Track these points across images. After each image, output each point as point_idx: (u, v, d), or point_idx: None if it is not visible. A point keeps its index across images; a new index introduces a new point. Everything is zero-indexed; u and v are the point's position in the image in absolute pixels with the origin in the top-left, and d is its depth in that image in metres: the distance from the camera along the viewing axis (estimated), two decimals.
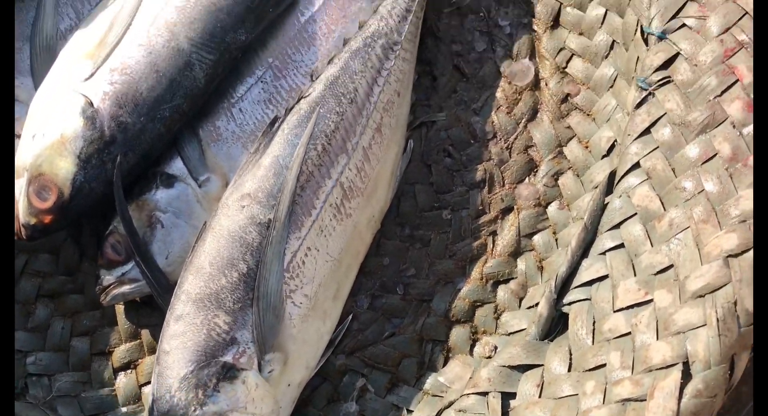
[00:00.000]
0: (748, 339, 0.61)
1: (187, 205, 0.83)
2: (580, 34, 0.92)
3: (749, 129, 0.68)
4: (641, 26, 0.82)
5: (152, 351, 0.86)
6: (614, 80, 0.88)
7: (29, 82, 0.86)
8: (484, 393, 0.74)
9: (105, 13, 0.84)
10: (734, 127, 0.69)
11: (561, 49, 0.93)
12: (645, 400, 0.62)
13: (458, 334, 0.85)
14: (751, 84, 0.69)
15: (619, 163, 0.77)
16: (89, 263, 0.89)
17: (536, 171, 0.90)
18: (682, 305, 0.64)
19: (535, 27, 0.95)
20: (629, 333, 0.67)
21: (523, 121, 0.92)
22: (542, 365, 0.72)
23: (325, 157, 0.80)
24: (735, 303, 0.62)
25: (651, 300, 0.67)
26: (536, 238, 0.87)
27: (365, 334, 0.85)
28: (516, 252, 0.87)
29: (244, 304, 0.73)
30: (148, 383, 0.85)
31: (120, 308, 0.88)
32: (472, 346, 0.84)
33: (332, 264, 0.80)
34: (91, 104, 0.80)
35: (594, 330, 0.70)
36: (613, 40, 0.89)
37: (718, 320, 0.62)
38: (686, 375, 0.61)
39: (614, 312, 0.69)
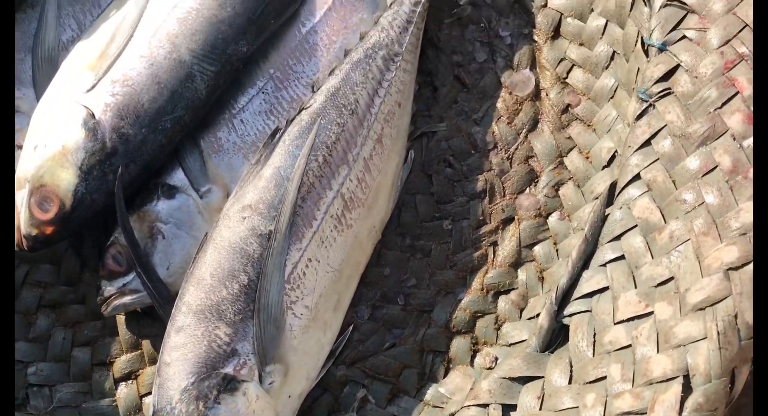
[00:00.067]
0: (748, 352, 0.61)
1: (188, 216, 0.83)
2: (581, 44, 0.92)
3: (749, 141, 0.68)
4: (642, 38, 0.82)
5: (153, 361, 0.86)
6: (615, 91, 0.88)
7: (31, 93, 0.87)
8: (485, 405, 0.74)
9: (107, 25, 0.84)
10: (734, 139, 0.69)
11: (561, 60, 0.93)
12: (645, 413, 0.62)
13: (459, 345, 0.85)
14: (752, 96, 0.69)
15: (620, 174, 0.77)
16: (90, 274, 0.90)
17: (537, 182, 0.90)
18: (682, 318, 0.64)
19: (535, 37, 0.95)
20: (630, 346, 0.67)
21: (523, 131, 0.92)
22: (543, 377, 0.72)
23: (326, 168, 0.81)
24: (735, 316, 0.62)
25: (651, 313, 0.67)
26: (537, 248, 0.87)
27: (366, 345, 0.85)
28: (517, 263, 0.87)
29: (245, 315, 0.74)
30: (149, 394, 0.85)
31: (121, 319, 0.88)
32: (473, 357, 0.84)
33: (333, 275, 0.80)
34: (93, 116, 0.80)
35: (594, 342, 0.70)
36: (614, 51, 0.89)
37: (718, 333, 0.61)
38: (687, 389, 0.61)
39: (615, 324, 0.69)
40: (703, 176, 0.69)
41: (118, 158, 0.80)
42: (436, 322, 0.86)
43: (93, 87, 0.81)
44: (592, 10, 0.92)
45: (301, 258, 0.77)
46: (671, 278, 0.67)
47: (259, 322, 0.73)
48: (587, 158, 0.88)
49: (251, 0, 0.85)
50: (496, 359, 0.82)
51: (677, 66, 0.76)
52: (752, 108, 0.69)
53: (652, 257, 0.70)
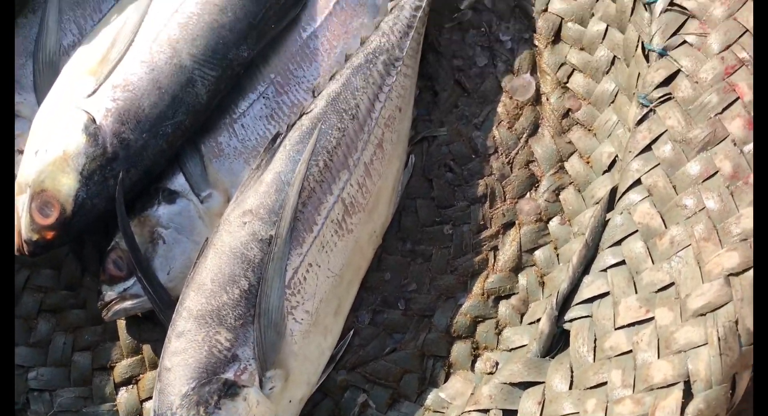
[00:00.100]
0: (749, 358, 0.61)
1: (189, 221, 0.83)
2: (581, 49, 0.92)
3: (750, 147, 0.68)
4: (642, 43, 0.82)
5: (154, 366, 0.86)
6: (615, 96, 0.88)
7: (32, 97, 0.87)
8: (486, 410, 0.74)
9: (107, 30, 0.85)
10: (735, 144, 0.69)
11: (562, 64, 0.93)
12: None
13: (459, 350, 0.85)
14: (752, 102, 0.69)
15: (620, 179, 0.77)
16: (91, 278, 0.90)
17: (537, 186, 0.90)
18: (683, 324, 0.64)
19: (536, 42, 0.95)
20: (630, 351, 0.67)
21: (524, 136, 0.92)
22: (543, 382, 0.72)
23: (327, 173, 0.81)
24: (736, 322, 0.62)
25: (652, 318, 0.67)
26: (537, 253, 0.87)
27: (366, 350, 0.85)
28: (517, 267, 0.87)
29: (246, 321, 0.74)
30: (150, 398, 0.85)
31: (121, 324, 0.88)
32: (474, 362, 0.84)
33: (333, 280, 0.80)
34: (94, 121, 0.80)
35: (595, 347, 0.70)
36: (614, 56, 0.89)
37: (719, 339, 0.61)
38: (687, 395, 0.61)
39: (615, 329, 0.69)
40: (703, 181, 0.69)
41: (119, 162, 0.80)
42: (436, 327, 0.86)
43: (94, 92, 0.81)
44: (593, 15, 0.92)
45: (302, 263, 0.77)
46: (672, 284, 0.67)
47: (259, 327, 0.73)
48: (588, 162, 0.88)
49: (252, 5, 0.86)
50: (497, 364, 0.82)
51: (678, 71, 0.76)
52: (752, 113, 0.69)
53: (653, 263, 0.70)
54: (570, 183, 0.89)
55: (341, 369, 0.84)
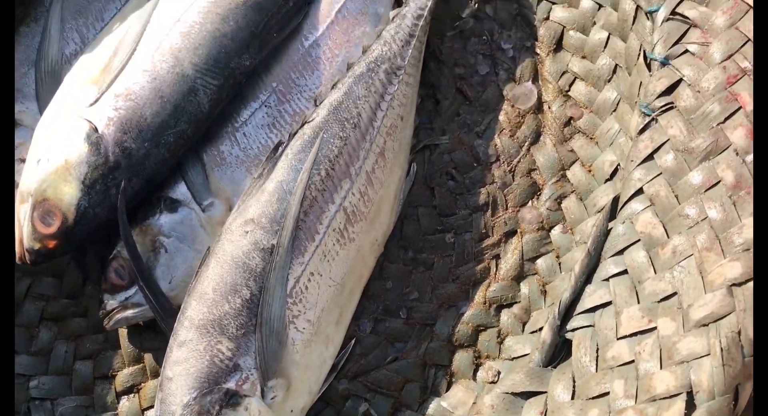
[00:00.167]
0: (752, 368, 0.61)
1: (190, 230, 0.83)
2: (583, 57, 0.92)
3: (752, 156, 0.68)
4: (644, 51, 0.82)
5: (155, 374, 0.86)
6: (617, 104, 0.88)
7: (34, 106, 0.87)
8: None
9: (109, 39, 0.85)
10: (737, 154, 0.69)
11: (564, 73, 0.93)
12: None
13: (461, 359, 0.84)
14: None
15: (623, 189, 0.77)
16: (93, 287, 0.90)
17: (539, 195, 0.90)
18: (685, 334, 0.64)
19: (537, 50, 0.95)
20: (633, 361, 0.67)
21: (526, 144, 0.92)
22: (546, 392, 0.72)
23: (329, 182, 0.81)
24: (739, 333, 0.61)
25: (654, 328, 0.67)
26: (539, 262, 0.87)
27: (368, 359, 0.85)
28: (519, 276, 0.87)
29: (248, 330, 0.73)
30: (151, 407, 0.85)
31: (123, 332, 0.88)
32: (476, 371, 0.84)
33: (335, 289, 0.80)
34: (96, 130, 0.80)
35: (597, 357, 0.70)
36: (616, 64, 0.89)
37: (722, 349, 0.61)
38: (690, 405, 0.61)
39: (617, 339, 0.69)
40: (705, 190, 0.69)
41: (121, 172, 0.80)
42: (438, 336, 0.86)
43: (96, 101, 0.81)
44: (594, 23, 0.92)
45: (304, 272, 0.77)
46: (674, 294, 0.67)
47: (261, 337, 0.73)
48: (590, 171, 0.88)
49: (254, 14, 0.86)
50: (499, 373, 0.82)
51: (680, 80, 0.76)
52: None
53: (655, 272, 0.70)
54: (572, 192, 0.89)
55: (343, 378, 0.84)
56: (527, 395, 0.73)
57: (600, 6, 0.91)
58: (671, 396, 0.62)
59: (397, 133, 0.87)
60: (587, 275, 0.76)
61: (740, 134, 0.69)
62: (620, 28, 0.88)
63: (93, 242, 0.87)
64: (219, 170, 0.86)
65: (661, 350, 0.65)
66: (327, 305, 0.79)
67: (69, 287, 0.90)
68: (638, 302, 0.70)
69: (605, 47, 0.90)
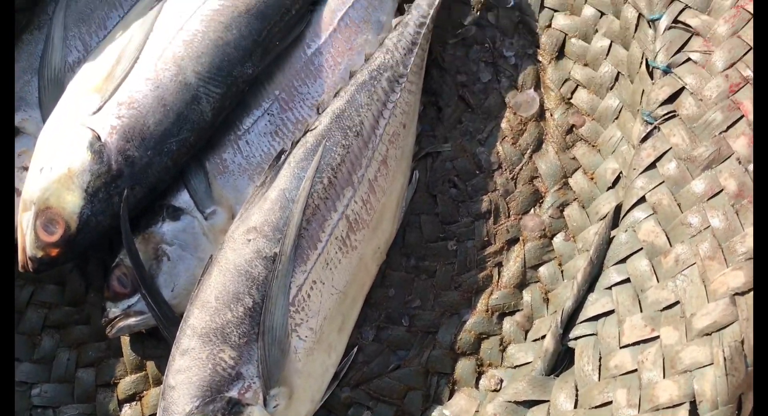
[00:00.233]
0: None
1: (193, 238, 0.83)
2: (585, 65, 0.92)
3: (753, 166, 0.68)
4: (646, 59, 0.82)
5: (157, 382, 0.86)
6: (619, 112, 0.88)
7: (37, 114, 0.87)
8: None
9: (112, 47, 0.85)
10: (740, 163, 0.69)
11: (566, 80, 0.93)
12: None
13: (464, 367, 0.84)
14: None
15: (625, 197, 0.77)
16: (95, 294, 0.90)
17: (542, 202, 0.90)
18: (688, 343, 0.64)
19: (539, 58, 0.95)
20: (635, 370, 0.67)
21: (528, 152, 0.92)
22: (548, 401, 0.72)
23: (331, 190, 0.81)
24: (742, 342, 0.61)
25: (657, 337, 0.67)
26: (542, 270, 0.87)
27: (370, 366, 0.85)
28: (522, 284, 0.87)
29: (250, 338, 0.73)
30: (154, 415, 0.85)
31: (125, 340, 0.88)
32: (478, 379, 0.84)
33: (337, 297, 0.80)
34: (99, 138, 0.80)
35: (600, 366, 0.70)
36: (618, 72, 0.89)
37: (725, 359, 0.61)
38: (693, 415, 0.61)
39: (620, 348, 0.69)
40: (708, 199, 0.69)
41: (124, 180, 0.80)
42: (440, 343, 0.86)
43: (99, 109, 0.81)
44: (597, 31, 0.92)
45: (306, 280, 0.77)
46: (677, 303, 0.67)
47: (263, 345, 0.73)
48: (592, 178, 0.88)
49: (257, 22, 0.86)
50: (502, 381, 0.82)
51: (682, 89, 0.76)
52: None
53: (658, 281, 0.70)
54: (574, 199, 0.89)
55: (345, 386, 0.84)
56: (530, 404, 0.73)
57: (602, 14, 0.92)
58: (674, 406, 0.62)
59: (399, 140, 0.87)
60: (590, 284, 0.76)
61: (743, 142, 0.69)
62: (622, 35, 0.88)
63: (96, 249, 0.87)
64: (222, 178, 0.86)
65: (664, 359, 0.65)
66: (329, 313, 0.79)
67: (71, 295, 0.90)
68: (641, 311, 0.70)
69: (607, 55, 0.90)
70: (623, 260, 0.74)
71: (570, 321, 0.75)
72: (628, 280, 0.73)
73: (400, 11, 0.95)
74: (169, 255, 0.82)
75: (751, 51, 0.72)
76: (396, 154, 0.86)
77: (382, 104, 0.86)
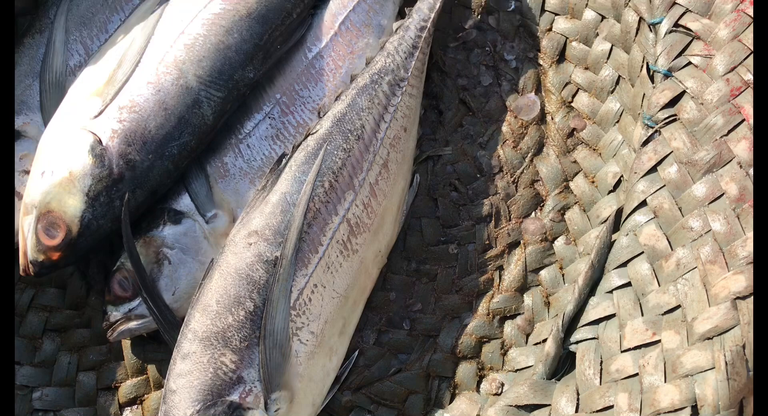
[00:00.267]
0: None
1: (194, 241, 0.83)
2: (586, 68, 0.92)
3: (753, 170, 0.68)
4: (647, 63, 0.82)
5: (158, 386, 0.86)
6: (620, 115, 0.88)
7: (38, 118, 0.87)
8: None
9: (114, 51, 0.85)
10: (741, 167, 0.69)
11: (567, 84, 0.93)
12: None
13: (465, 370, 0.84)
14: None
15: (626, 201, 0.77)
16: (96, 298, 0.90)
17: (543, 206, 0.90)
18: (690, 347, 0.64)
19: (540, 61, 0.95)
20: (637, 374, 0.67)
21: (529, 155, 0.92)
22: (549, 405, 0.72)
23: (332, 193, 0.81)
24: (743, 346, 0.61)
25: (658, 341, 0.67)
26: (543, 273, 0.87)
27: (371, 370, 0.85)
28: (523, 287, 0.87)
29: (251, 342, 0.73)
30: None
31: (126, 343, 0.88)
32: (479, 382, 0.84)
33: (339, 300, 0.80)
34: (100, 142, 0.80)
35: (601, 370, 0.70)
36: (619, 76, 0.89)
37: (726, 363, 0.61)
38: None
39: (622, 352, 0.69)
40: (709, 203, 0.69)
41: (125, 184, 0.80)
42: (441, 347, 0.85)
43: (100, 113, 0.81)
44: (597, 35, 0.92)
45: (307, 284, 0.77)
46: (678, 307, 0.67)
47: (264, 349, 0.73)
48: (593, 182, 0.88)
49: (258, 26, 0.86)
50: (503, 385, 0.82)
51: (683, 92, 0.76)
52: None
53: (659, 285, 0.70)
54: (575, 203, 0.89)
55: (346, 389, 0.84)
56: (531, 408, 0.73)
57: (603, 17, 0.92)
58: (676, 410, 0.62)
59: (400, 144, 0.87)
60: (591, 287, 0.76)
61: (744, 146, 0.69)
62: (623, 39, 0.88)
63: (97, 253, 0.87)
64: (223, 181, 0.86)
65: (665, 363, 0.65)
66: (330, 317, 0.79)
67: (72, 298, 0.90)
68: (642, 315, 0.70)
69: (608, 59, 0.91)
70: (624, 264, 0.74)
71: (571, 324, 0.75)
72: (629, 284, 0.73)
73: (401, 15, 0.95)
74: (170, 259, 0.82)
75: (752, 55, 0.72)
76: (397, 157, 0.86)
77: (383, 108, 0.86)
